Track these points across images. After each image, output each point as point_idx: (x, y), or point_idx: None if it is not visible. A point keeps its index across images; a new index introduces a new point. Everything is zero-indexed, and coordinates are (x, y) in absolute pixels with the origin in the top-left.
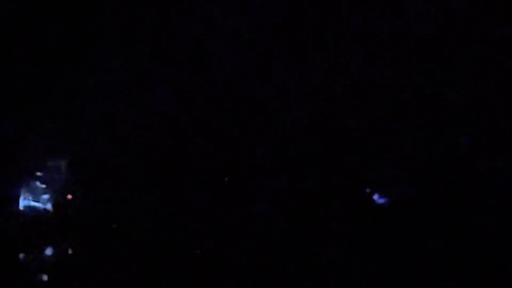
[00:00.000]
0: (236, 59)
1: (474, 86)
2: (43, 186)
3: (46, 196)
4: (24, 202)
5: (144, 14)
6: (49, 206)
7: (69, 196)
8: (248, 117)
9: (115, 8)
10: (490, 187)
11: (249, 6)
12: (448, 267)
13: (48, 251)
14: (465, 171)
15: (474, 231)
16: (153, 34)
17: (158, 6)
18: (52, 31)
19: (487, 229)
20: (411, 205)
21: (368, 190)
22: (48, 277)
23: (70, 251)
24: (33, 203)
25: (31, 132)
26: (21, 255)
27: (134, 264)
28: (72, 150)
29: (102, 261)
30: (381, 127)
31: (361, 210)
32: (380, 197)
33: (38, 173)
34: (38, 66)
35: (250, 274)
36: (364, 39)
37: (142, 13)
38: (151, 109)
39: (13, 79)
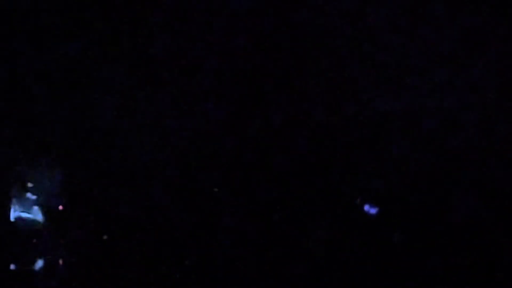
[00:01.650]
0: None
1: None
2: (34, 197)
3: (37, 207)
4: (15, 213)
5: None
6: (40, 217)
7: (60, 207)
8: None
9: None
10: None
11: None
12: (438, 274)
13: (39, 263)
14: (455, 179)
15: (465, 238)
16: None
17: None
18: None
19: (481, 236)
20: (402, 214)
21: (359, 200)
22: None
23: (60, 262)
24: (24, 215)
25: (22, 143)
26: (12, 266)
27: (125, 276)
28: (63, 161)
29: (93, 273)
30: (372, 138)
31: (352, 219)
32: (371, 207)
33: (29, 184)
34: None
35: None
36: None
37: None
38: (145, 123)
39: (8, 90)
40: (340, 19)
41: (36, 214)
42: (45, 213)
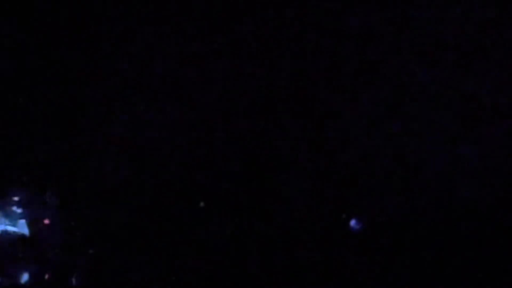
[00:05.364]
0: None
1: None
2: (20, 211)
3: (23, 221)
4: (0, 226)
5: None
6: (26, 231)
7: (46, 221)
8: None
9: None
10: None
11: None
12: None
13: (25, 276)
14: (438, 197)
15: (451, 252)
16: None
17: None
18: None
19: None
20: (388, 230)
21: (344, 216)
22: None
23: (46, 276)
24: (10, 228)
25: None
26: None
27: None
28: (49, 176)
29: (78, 286)
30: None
31: (338, 236)
32: (357, 223)
33: (15, 198)
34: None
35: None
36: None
37: None
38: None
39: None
40: None
41: (22, 228)
42: (31, 226)
